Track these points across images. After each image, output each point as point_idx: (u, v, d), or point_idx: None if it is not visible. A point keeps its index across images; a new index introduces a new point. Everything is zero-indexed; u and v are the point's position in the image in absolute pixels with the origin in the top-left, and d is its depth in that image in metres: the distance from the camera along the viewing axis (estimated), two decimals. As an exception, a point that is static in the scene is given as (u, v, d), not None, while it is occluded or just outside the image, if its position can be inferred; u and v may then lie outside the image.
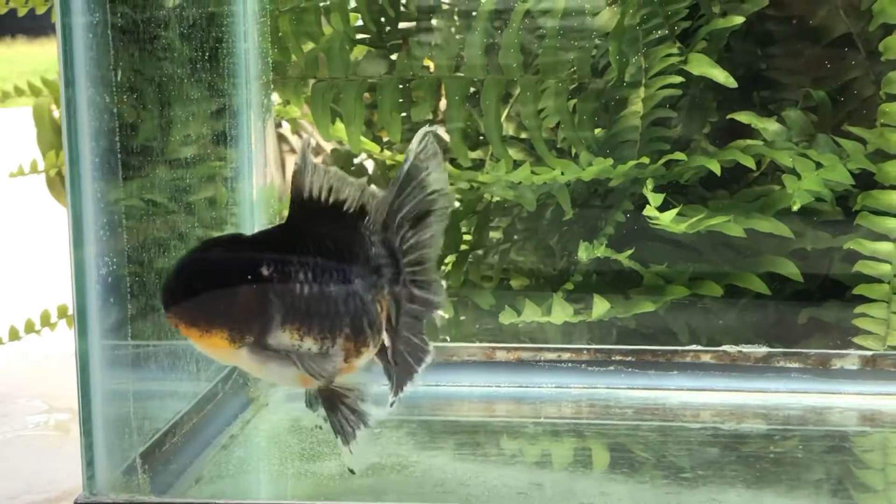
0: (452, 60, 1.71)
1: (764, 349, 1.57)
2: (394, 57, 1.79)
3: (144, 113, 1.33)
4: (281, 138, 2.57)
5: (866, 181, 1.60)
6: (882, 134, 1.58)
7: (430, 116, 1.72)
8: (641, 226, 1.63)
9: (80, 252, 1.17)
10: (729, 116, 1.68)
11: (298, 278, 1.08)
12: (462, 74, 1.70)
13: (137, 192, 1.31)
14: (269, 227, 1.14)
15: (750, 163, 1.60)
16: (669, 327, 1.68)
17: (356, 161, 1.96)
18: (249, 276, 1.06)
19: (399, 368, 1.18)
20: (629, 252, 1.59)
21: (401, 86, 1.72)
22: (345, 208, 1.11)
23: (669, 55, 1.65)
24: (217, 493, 1.26)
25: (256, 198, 1.61)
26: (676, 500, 1.23)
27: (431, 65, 1.74)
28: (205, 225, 1.51)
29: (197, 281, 1.05)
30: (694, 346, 1.59)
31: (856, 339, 1.61)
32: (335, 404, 1.13)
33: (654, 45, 1.67)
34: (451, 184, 1.71)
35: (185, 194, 1.43)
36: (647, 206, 1.55)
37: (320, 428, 1.20)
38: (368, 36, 1.81)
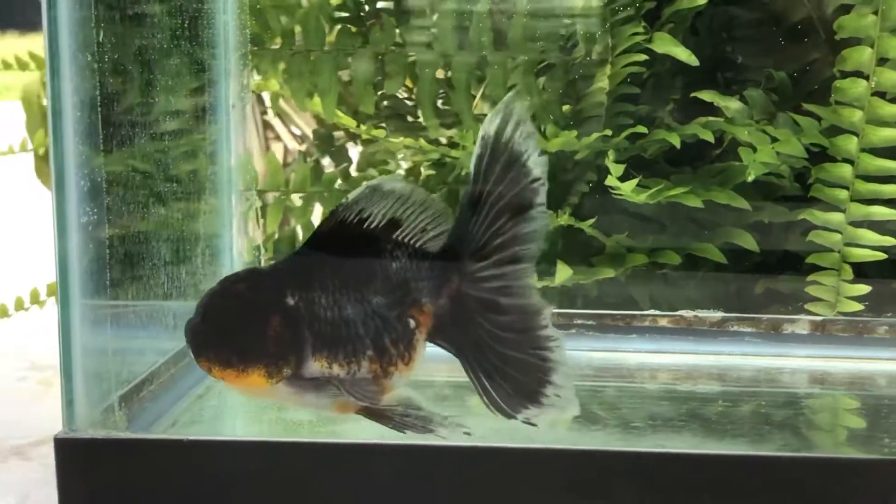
0: (424, 37, 1.77)
1: (719, 314, 1.63)
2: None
3: (127, 83, 1.39)
4: (266, 126, 2.62)
5: (825, 158, 1.67)
6: (835, 110, 1.64)
7: (403, 90, 1.78)
8: (610, 201, 1.69)
9: (63, 213, 1.22)
10: (693, 95, 1.75)
11: (322, 304, 1.06)
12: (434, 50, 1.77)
13: (119, 160, 1.36)
14: (284, 257, 1.15)
15: (709, 136, 1.66)
16: (631, 296, 1.74)
17: (337, 144, 2.02)
18: (278, 309, 1.04)
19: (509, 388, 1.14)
20: (592, 221, 1.66)
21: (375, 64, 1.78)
22: (368, 224, 1.08)
23: (635, 34, 1.71)
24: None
25: (234, 165, 1.67)
26: (624, 444, 1.29)
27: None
28: (185, 191, 1.57)
29: (226, 320, 1.04)
30: (652, 311, 1.65)
31: (808, 306, 1.67)
32: (385, 418, 1.11)
33: (620, 24, 1.73)
34: (423, 154, 1.79)
35: (166, 161, 1.49)
36: (609, 175, 1.62)
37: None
38: (347, 14, 1.87)
